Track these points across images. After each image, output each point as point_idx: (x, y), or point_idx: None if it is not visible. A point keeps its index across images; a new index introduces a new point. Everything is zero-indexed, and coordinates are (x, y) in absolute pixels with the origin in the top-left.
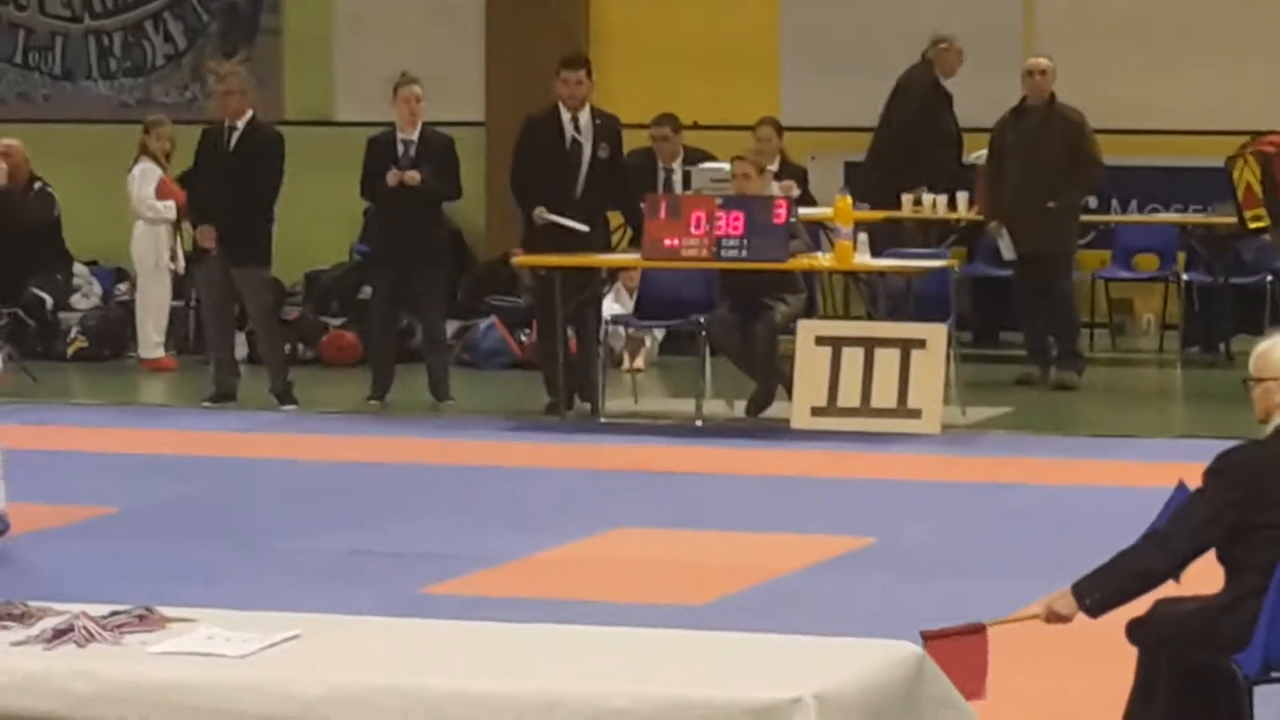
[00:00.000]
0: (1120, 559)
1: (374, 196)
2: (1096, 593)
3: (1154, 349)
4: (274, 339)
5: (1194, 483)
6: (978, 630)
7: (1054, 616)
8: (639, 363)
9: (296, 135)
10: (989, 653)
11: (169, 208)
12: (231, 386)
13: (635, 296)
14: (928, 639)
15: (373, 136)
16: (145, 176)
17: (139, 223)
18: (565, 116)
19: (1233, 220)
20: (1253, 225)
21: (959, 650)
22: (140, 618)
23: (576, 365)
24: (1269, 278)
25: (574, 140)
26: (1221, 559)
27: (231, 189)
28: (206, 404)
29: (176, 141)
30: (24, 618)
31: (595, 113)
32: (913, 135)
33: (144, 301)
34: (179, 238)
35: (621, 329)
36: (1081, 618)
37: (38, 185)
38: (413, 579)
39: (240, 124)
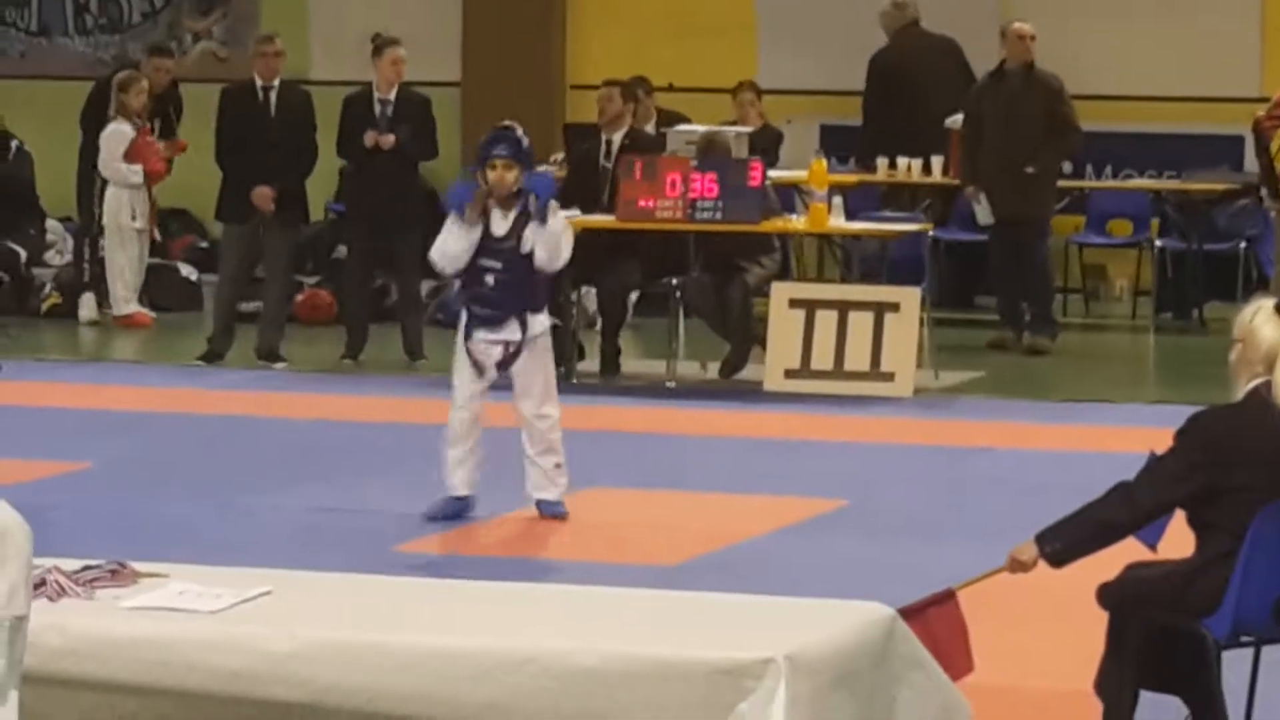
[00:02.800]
0: (1084, 511)
1: (350, 156)
2: (1058, 542)
3: (1127, 315)
4: (286, 301)
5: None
6: (949, 597)
7: (1016, 565)
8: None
9: None
10: (965, 619)
11: (135, 172)
12: (226, 347)
13: None
14: (903, 617)
15: (349, 95)
16: (116, 138)
17: (111, 184)
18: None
19: (1208, 186)
20: None
21: (937, 624)
22: (112, 573)
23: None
24: (1243, 244)
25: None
26: (1191, 522)
27: (277, 152)
28: (199, 362)
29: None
30: None
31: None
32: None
33: (111, 259)
34: (151, 201)
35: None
36: (1051, 576)
37: (14, 144)
38: (385, 537)
39: (274, 83)
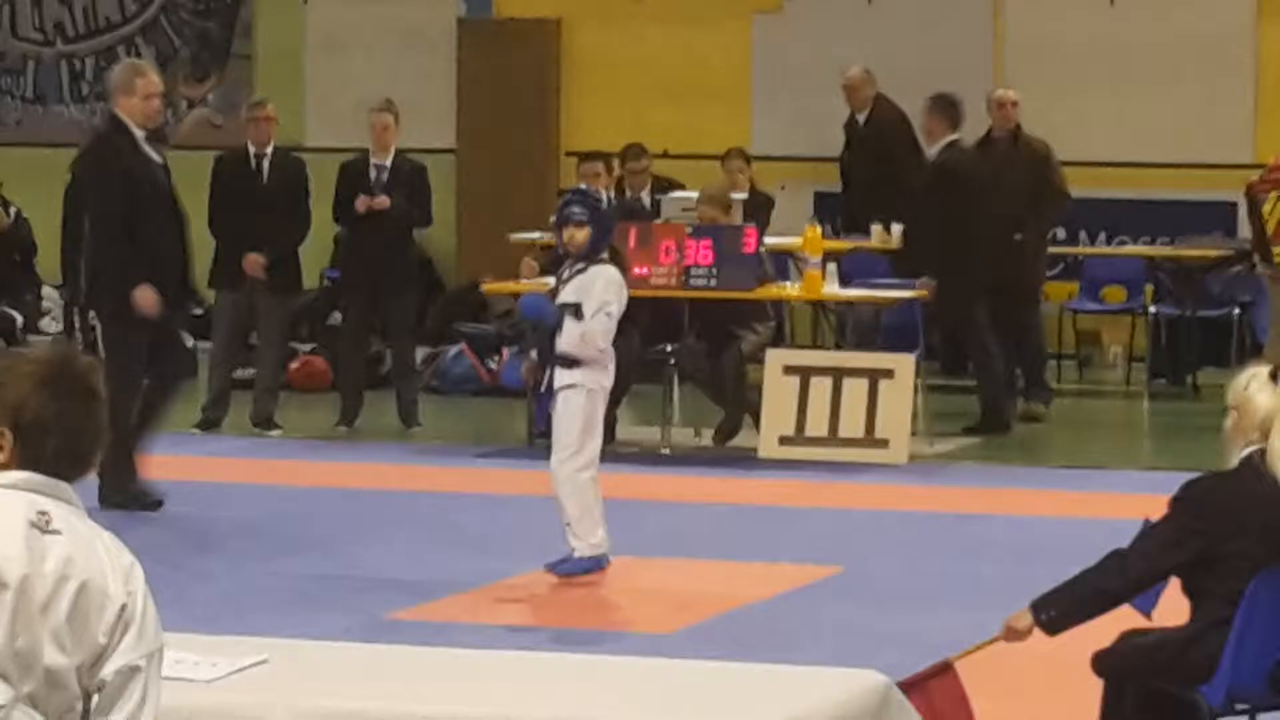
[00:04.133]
0: (1079, 578)
1: (345, 222)
2: (1053, 609)
3: (1121, 381)
4: (280, 368)
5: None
6: (947, 669)
7: (1012, 633)
8: None
9: None
10: (965, 689)
11: None
12: (222, 414)
13: None
14: (904, 691)
15: (345, 161)
16: None
17: None
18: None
19: (1201, 253)
20: None
21: (939, 697)
22: None
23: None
24: (1236, 310)
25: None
26: (1186, 589)
27: (270, 219)
28: (195, 430)
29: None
30: None
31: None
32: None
33: None
34: None
35: None
36: (1047, 643)
37: (13, 210)
38: (380, 604)
39: (268, 151)
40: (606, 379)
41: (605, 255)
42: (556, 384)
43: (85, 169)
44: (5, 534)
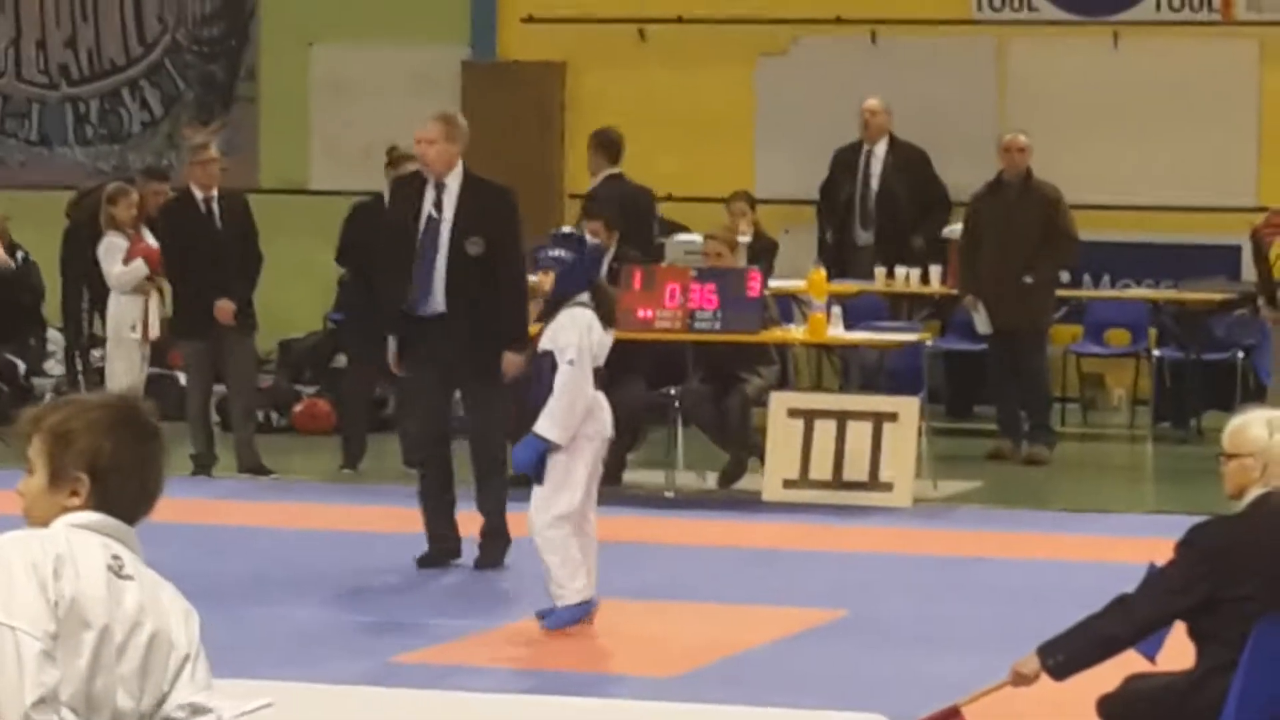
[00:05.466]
0: (1085, 623)
1: (351, 264)
2: (1060, 654)
3: (1125, 424)
4: (254, 409)
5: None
6: (953, 713)
7: (1019, 678)
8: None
9: (272, 203)
10: None
11: (138, 267)
12: (212, 460)
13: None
14: None
15: (357, 203)
16: (110, 252)
17: (113, 293)
18: None
19: (1205, 296)
20: None
21: None
22: None
23: None
24: (1240, 354)
25: None
26: (1191, 633)
27: (228, 261)
28: (191, 474)
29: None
30: None
31: None
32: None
33: (111, 369)
34: (153, 305)
35: None
36: (1053, 688)
37: (20, 255)
38: (385, 647)
39: (214, 193)
40: (590, 423)
41: (585, 298)
42: (535, 429)
43: None
44: (90, 576)
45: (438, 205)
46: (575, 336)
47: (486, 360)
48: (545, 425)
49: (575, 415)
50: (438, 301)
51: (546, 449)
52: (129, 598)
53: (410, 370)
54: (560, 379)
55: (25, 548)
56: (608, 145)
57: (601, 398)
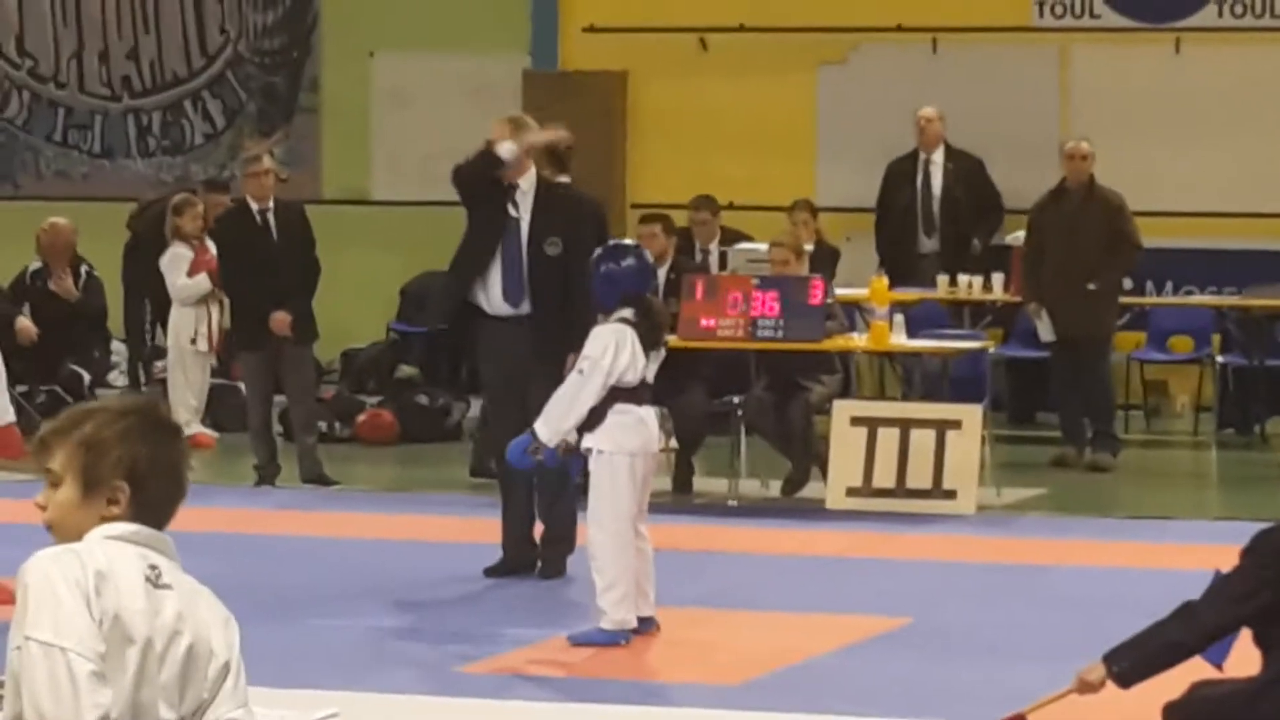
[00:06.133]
0: (1151, 630)
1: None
2: (1125, 661)
3: (1189, 431)
4: (315, 419)
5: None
6: None
7: (1085, 686)
8: (674, 442)
9: (334, 214)
10: None
11: (201, 281)
12: (275, 471)
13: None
14: None
15: None
16: (175, 263)
17: (174, 304)
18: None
19: (1269, 302)
20: None
21: None
22: None
23: None
24: None
25: None
26: (1257, 640)
27: (284, 272)
28: (254, 485)
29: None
30: None
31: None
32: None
33: (173, 381)
34: (215, 316)
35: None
36: (1119, 696)
37: (85, 269)
38: (449, 657)
39: (270, 204)
40: (632, 439)
41: (629, 313)
42: (582, 446)
43: None
44: (130, 589)
45: (515, 205)
46: (598, 350)
47: (553, 365)
48: (538, 422)
49: (568, 420)
50: (520, 302)
51: (531, 443)
52: (168, 607)
53: (493, 376)
54: (565, 384)
55: (66, 566)
56: (554, 153)
57: (647, 414)
